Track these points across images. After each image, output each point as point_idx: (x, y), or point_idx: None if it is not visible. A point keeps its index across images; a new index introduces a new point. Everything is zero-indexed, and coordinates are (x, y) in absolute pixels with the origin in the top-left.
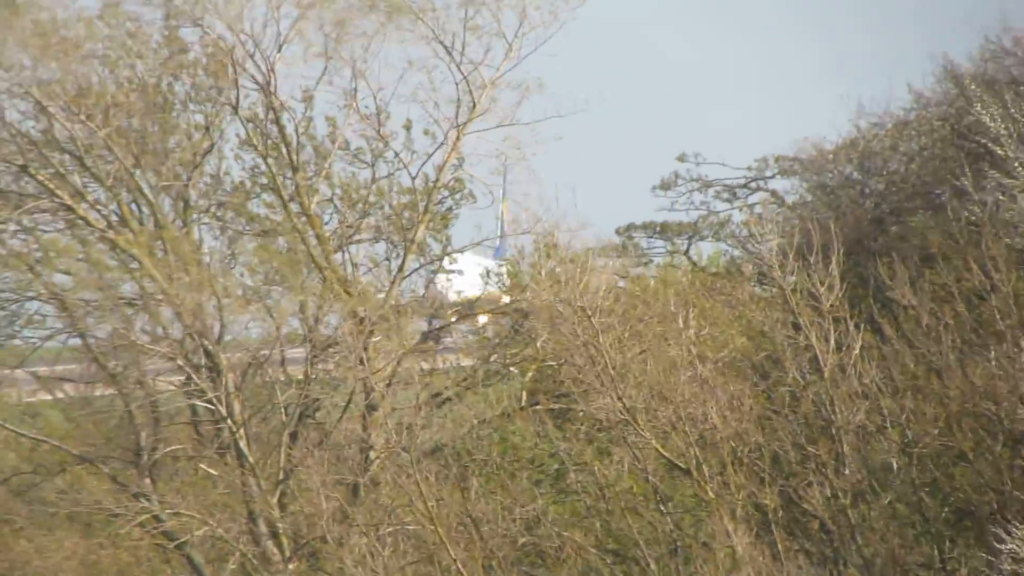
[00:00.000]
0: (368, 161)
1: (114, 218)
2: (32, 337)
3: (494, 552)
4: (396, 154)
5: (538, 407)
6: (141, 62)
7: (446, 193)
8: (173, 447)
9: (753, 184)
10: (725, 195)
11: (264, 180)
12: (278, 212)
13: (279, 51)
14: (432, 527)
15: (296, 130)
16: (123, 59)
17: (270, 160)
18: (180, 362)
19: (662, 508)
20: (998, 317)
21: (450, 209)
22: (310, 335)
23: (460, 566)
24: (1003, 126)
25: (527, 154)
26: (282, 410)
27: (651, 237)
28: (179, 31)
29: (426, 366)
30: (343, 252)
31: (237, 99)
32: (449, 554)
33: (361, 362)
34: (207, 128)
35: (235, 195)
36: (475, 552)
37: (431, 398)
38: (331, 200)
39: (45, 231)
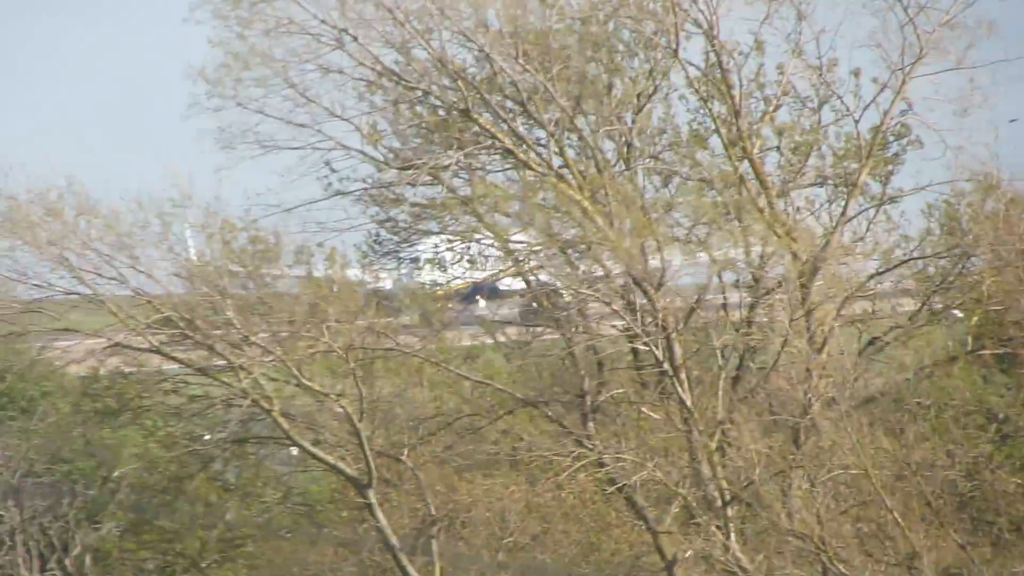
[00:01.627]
0: (814, 107)
1: (556, 162)
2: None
3: (933, 497)
4: (840, 99)
5: (984, 351)
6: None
7: (892, 139)
8: (615, 391)
9: None
10: None
11: (707, 125)
12: (722, 158)
13: None
14: (869, 473)
15: (739, 75)
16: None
17: (712, 105)
18: (620, 306)
19: None
20: None
21: (896, 155)
22: (751, 279)
23: (896, 515)
24: None
25: (978, 99)
26: (719, 354)
27: None
28: None
29: (867, 310)
30: (785, 197)
31: (678, 44)
32: (885, 503)
33: (802, 307)
34: (650, 72)
35: (679, 140)
36: (912, 499)
37: (871, 343)
38: (777, 148)
39: (487, 174)
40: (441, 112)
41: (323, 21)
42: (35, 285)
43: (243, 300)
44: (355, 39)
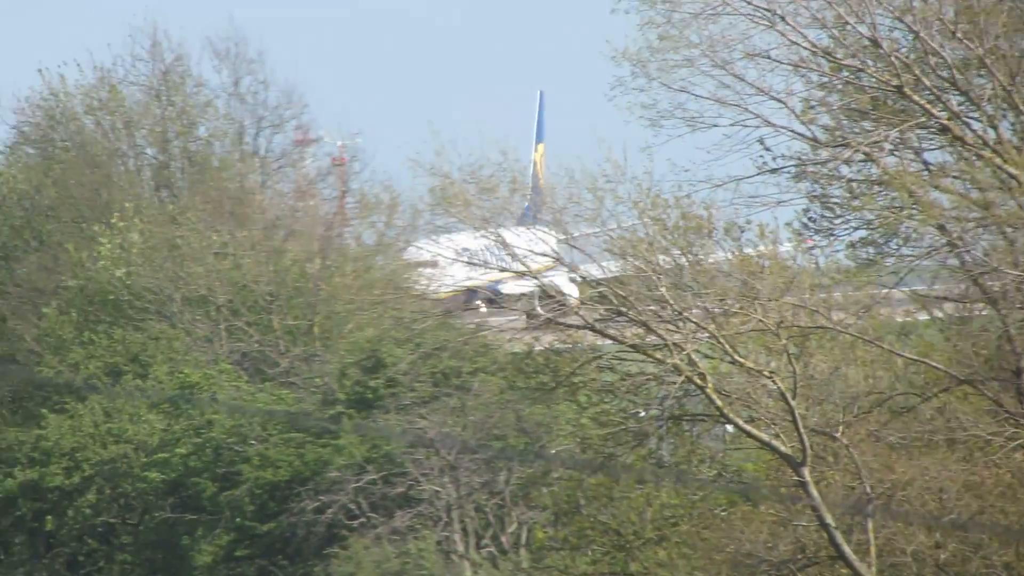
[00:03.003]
0: None
1: (992, 137)
2: (909, 255)
3: None
4: None
5: None
6: None
7: None
8: None
9: None
10: None
11: None
12: None
13: None
14: None
15: None
16: None
17: None
18: None
19: None
20: None
21: None
22: None
23: None
24: None
25: None
26: None
27: None
28: None
29: None
30: None
31: None
32: None
33: None
34: None
35: None
36: None
37: None
38: None
39: (922, 150)
40: (874, 90)
41: (750, 2)
42: (470, 263)
43: (676, 276)
44: (783, 19)
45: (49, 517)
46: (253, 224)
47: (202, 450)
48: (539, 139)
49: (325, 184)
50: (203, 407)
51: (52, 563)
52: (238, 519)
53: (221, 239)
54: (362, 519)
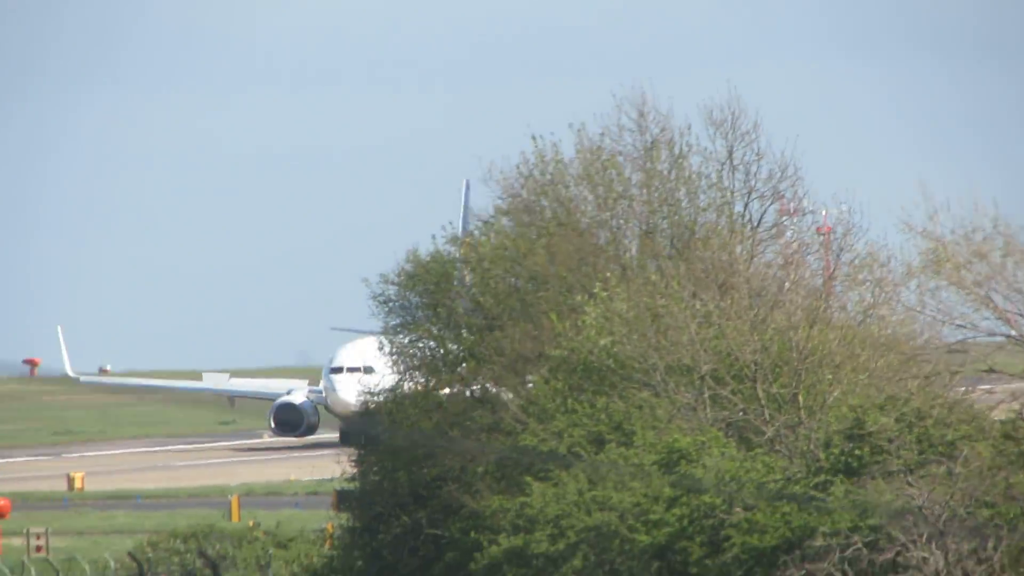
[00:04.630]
0: None
1: None
2: None
3: None
4: None
5: None
6: None
7: None
8: None
9: None
10: None
11: None
12: None
13: None
14: None
15: None
16: None
17: None
18: None
19: None
20: None
21: None
22: None
23: None
24: None
25: None
26: None
27: None
28: None
29: None
30: None
31: None
32: None
33: None
34: None
35: None
36: None
37: None
38: None
39: None
40: None
41: None
42: (959, 326)
43: None
44: None
45: None
46: (738, 293)
47: (691, 515)
48: (464, 231)
49: (813, 255)
50: (697, 474)
51: None
52: None
53: (705, 308)
54: None
